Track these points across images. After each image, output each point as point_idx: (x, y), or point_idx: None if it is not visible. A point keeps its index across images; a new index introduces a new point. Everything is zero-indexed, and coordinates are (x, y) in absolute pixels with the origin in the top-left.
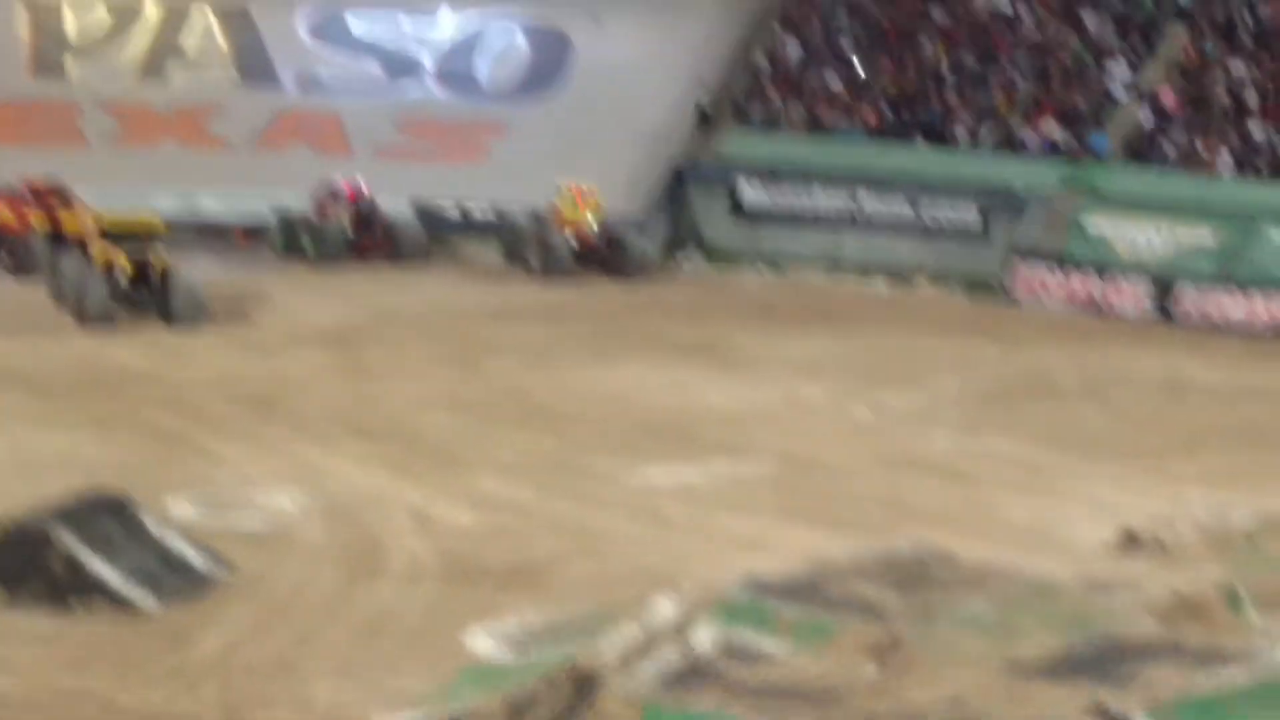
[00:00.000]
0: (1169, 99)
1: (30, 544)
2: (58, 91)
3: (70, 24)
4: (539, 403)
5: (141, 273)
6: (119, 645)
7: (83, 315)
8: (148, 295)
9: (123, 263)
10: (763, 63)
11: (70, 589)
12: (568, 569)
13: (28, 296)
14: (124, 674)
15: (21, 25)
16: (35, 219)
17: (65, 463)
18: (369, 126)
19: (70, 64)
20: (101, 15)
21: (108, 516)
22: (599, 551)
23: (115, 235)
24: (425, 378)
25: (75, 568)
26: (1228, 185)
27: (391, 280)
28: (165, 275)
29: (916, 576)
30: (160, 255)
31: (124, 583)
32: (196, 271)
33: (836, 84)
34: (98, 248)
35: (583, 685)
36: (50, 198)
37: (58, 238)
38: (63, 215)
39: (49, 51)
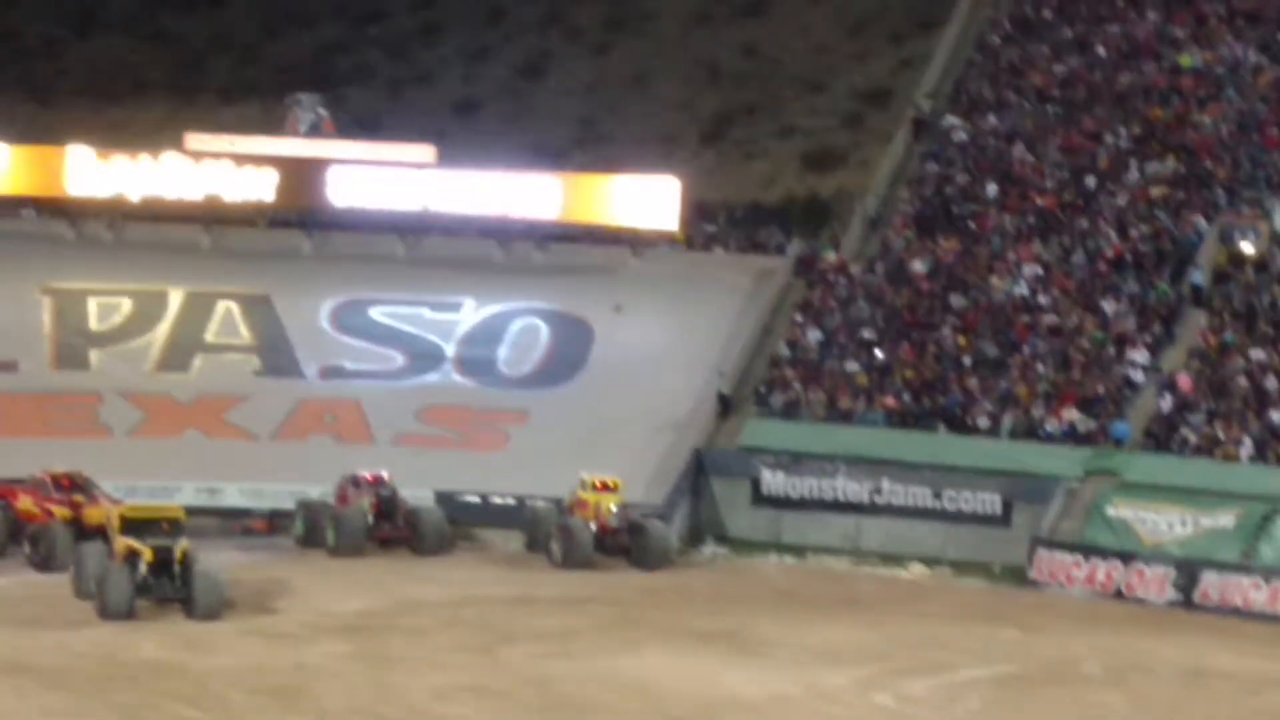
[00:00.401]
0: (1186, 384)
1: None
2: (80, 382)
3: (93, 315)
4: (561, 691)
5: (163, 561)
6: None
7: (104, 607)
8: (169, 584)
9: (144, 552)
10: (783, 350)
11: None
12: None
13: (51, 589)
14: None
15: (45, 316)
16: (58, 511)
17: None
18: (390, 415)
19: (93, 355)
20: (125, 306)
21: None
22: None
23: (136, 524)
24: (447, 667)
25: None
26: (1249, 471)
27: (413, 569)
28: (186, 564)
29: None
30: (182, 544)
31: None
32: (218, 560)
33: (856, 371)
34: (119, 539)
35: None
36: (72, 489)
37: (80, 529)
38: (85, 507)
39: (72, 342)
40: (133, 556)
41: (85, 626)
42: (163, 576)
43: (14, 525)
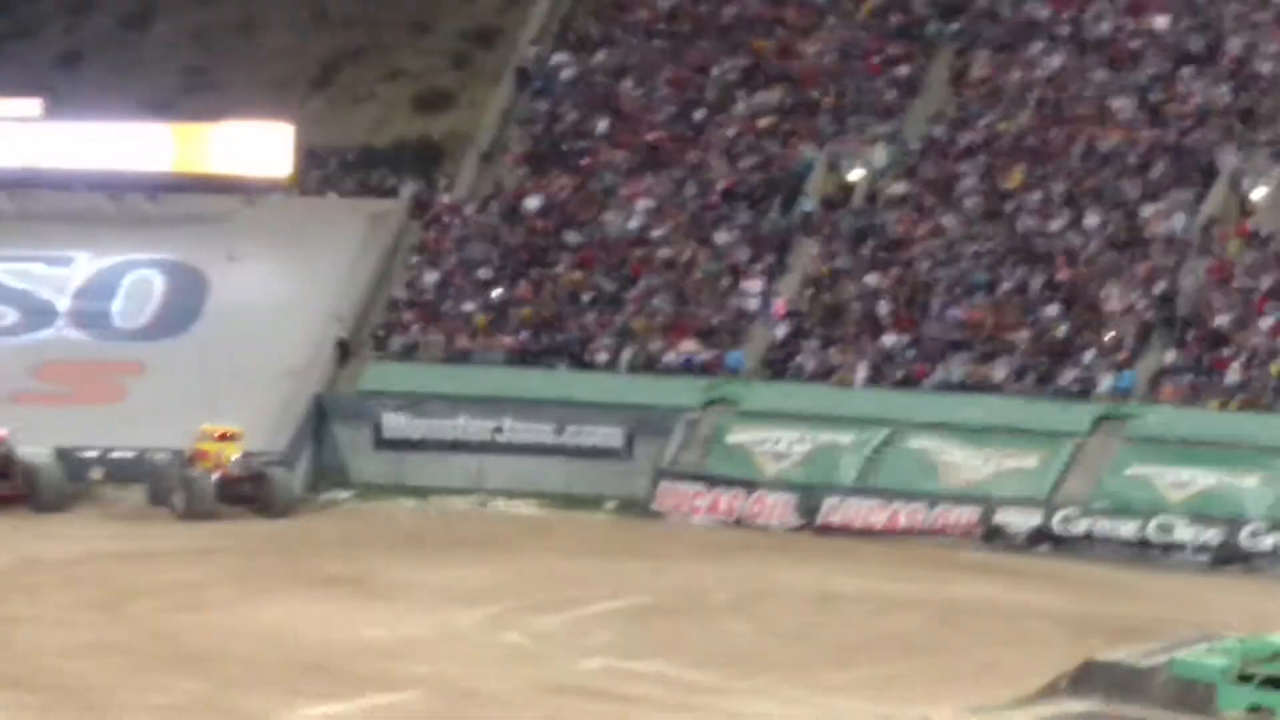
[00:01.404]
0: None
1: None
2: None
3: None
4: (188, 644)
5: None
6: None
7: None
8: None
9: None
10: (401, 293)
11: None
12: None
13: None
14: None
15: None
16: None
17: None
18: (6, 373)
19: None
20: None
21: None
22: None
23: None
24: (71, 624)
25: None
26: (864, 396)
27: (32, 527)
28: None
29: None
30: None
31: None
32: None
33: (475, 311)
34: None
35: None
36: None
37: None
38: None
39: None
40: None
41: None
42: None
43: None
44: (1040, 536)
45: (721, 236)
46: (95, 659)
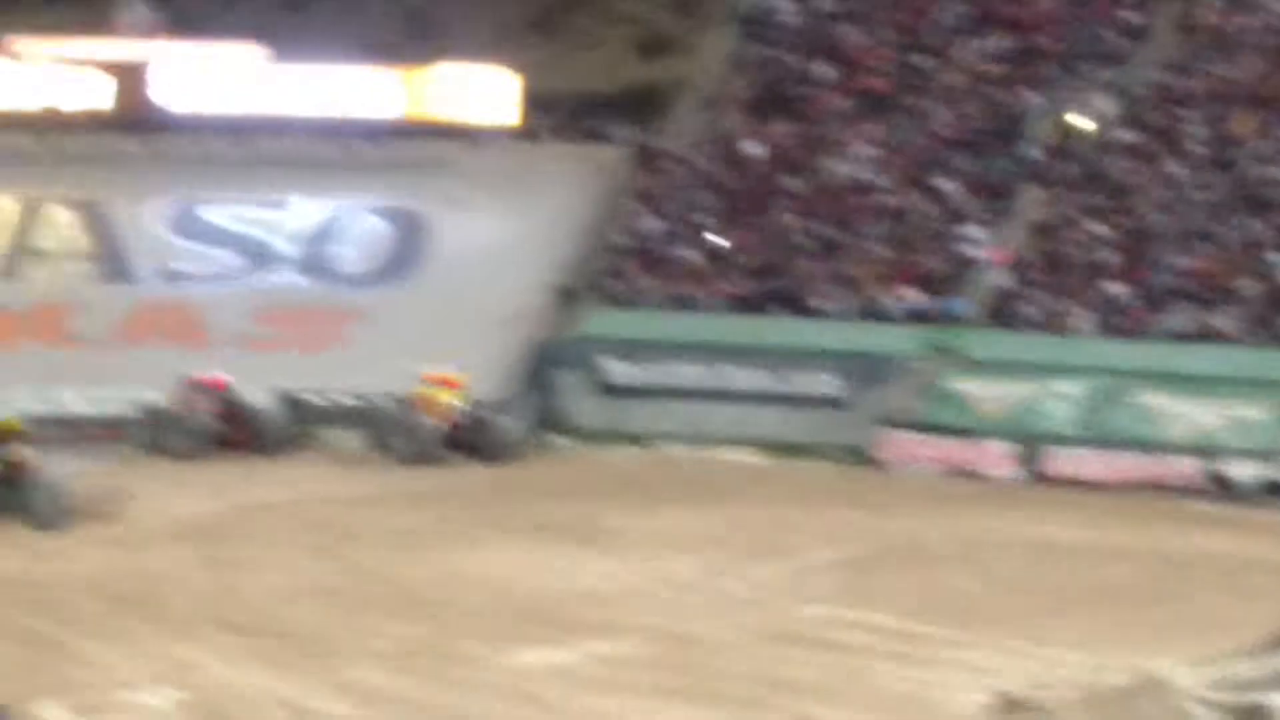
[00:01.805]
0: (1007, 258)
1: None
2: None
3: None
4: (409, 589)
5: (3, 473)
6: None
7: None
8: (10, 496)
9: None
10: (622, 239)
11: None
12: None
13: None
14: None
15: None
16: None
17: None
18: (228, 318)
19: None
20: None
21: None
22: None
23: None
24: (293, 569)
25: None
26: (1089, 345)
27: (256, 472)
28: (26, 475)
29: None
30: (21, 454)
31: None
32: (60, 469)
33: (695, 257)
34: None
35: None
36: None
37: None
38: None
39: None
40: None
41: None
42: (3, 488)
43: None
44: (1268, 488)
45: (943, 183)
46: (317, 604)
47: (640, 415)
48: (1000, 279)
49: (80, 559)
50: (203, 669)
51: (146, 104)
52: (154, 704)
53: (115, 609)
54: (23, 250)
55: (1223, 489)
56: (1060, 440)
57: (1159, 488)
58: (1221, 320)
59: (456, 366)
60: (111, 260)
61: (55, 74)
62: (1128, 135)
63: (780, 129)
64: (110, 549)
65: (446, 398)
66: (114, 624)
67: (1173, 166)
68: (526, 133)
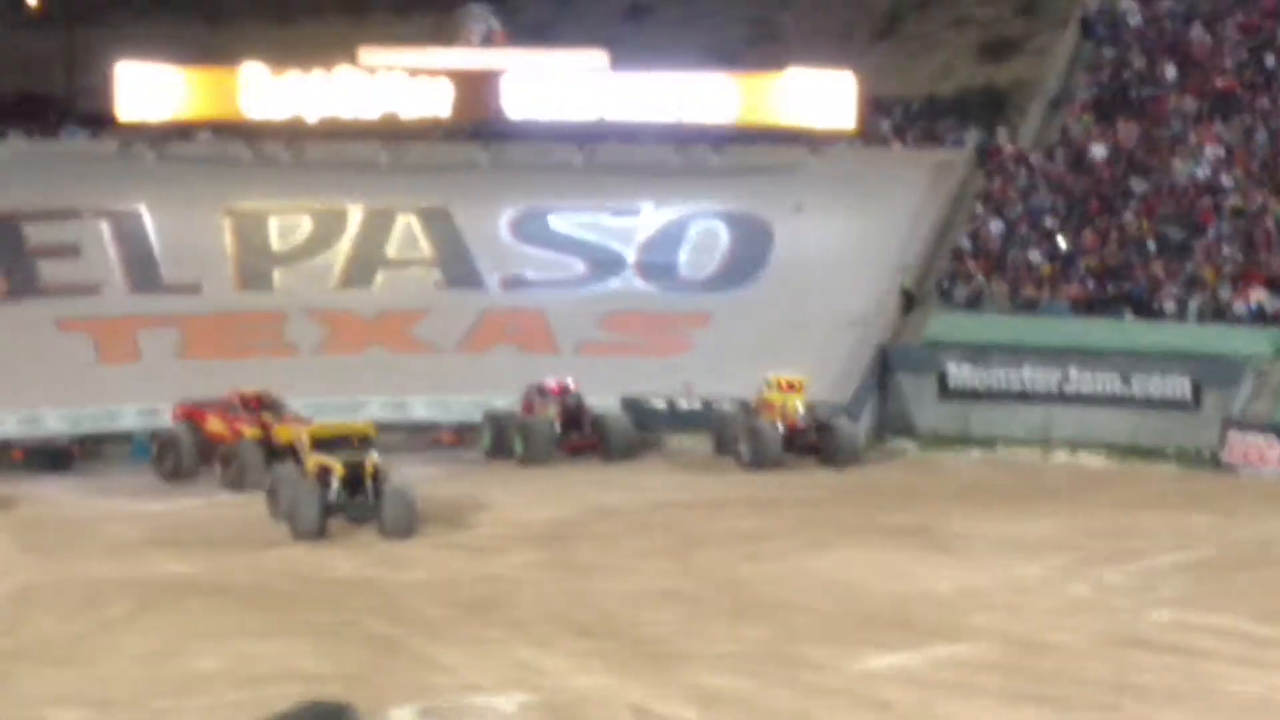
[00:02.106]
0: None
1: None
2: (264, 302)
3: (274, 235)
4: (753, 593)
5: (354, 478)
6: None
7: (297, 527)
8: (361, 501)
9: (335, 469)
10: (965, 242)
11: None
12: None
13: (243, 509)
14: None
15: (227, 238)
16: (247, 430)
17: (285, 674)
18: (573, 323)
19: (276, 274)
20: (305, 224)
21: None
22: None
23: (327, 441)
24: (639, 572)
25: None
26: None
27: (601, 476)
28: (377, 480)
29: None
30: (372, 459)
31: None
32: (407, 474)
33: (1040, 260)
34: (310, 458)
35: None
36: (261, 408)
37: (270, 448)
38: (274, 426)
39: (254, 262)
40: (324, 474)
41: (279, 546)
42: (355, 493)
43: (204, 446)
44: None
45: None
46: (663, 607)
47: (984, 418)
48: None
49: (429, 565)
50: (551, 673)
51: (492, 112)
52: (503, 708)
53: (464, 614)
54: (371, 258)
55: None
56: None
57: None
58: None
59: (800, 370)
60: (458, 267)
61: (402, 84)
62: None
63: (1125, 130)
64: (458, 554)
65: (790, 401)
66: (463, 629)
67: None
68: (867, 136)
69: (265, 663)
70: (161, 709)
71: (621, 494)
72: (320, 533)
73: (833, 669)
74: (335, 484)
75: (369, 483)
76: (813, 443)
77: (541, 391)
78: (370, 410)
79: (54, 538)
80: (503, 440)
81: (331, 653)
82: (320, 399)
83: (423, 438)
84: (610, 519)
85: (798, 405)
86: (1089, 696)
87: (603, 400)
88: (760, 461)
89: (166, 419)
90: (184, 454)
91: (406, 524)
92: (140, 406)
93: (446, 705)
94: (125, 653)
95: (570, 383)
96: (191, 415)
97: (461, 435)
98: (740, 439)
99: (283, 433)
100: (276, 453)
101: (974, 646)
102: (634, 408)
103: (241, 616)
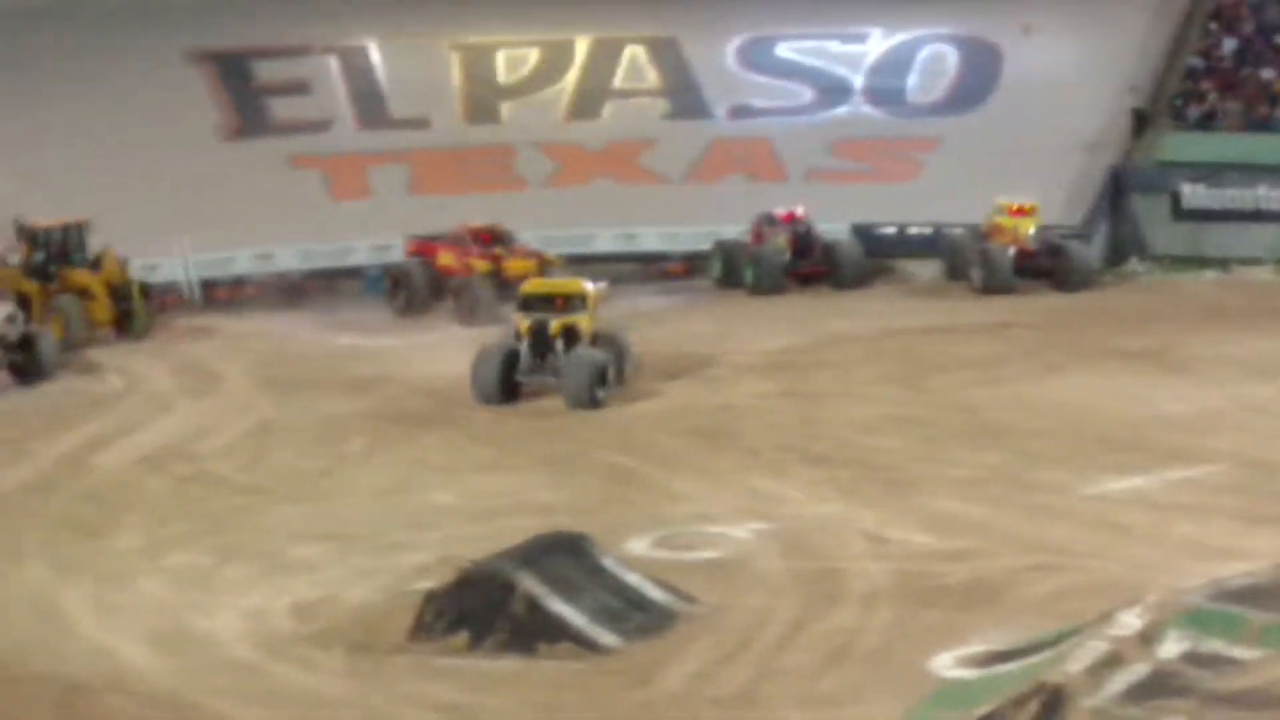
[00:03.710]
0: None
1: (493, 588)
2: (492, 135)
3: (501, 68)
4: (987, 418)
5: (539, 341)
6: (585, 685)
7: (474, 390)
8: (542, 365)
9: (522, 329)
10: (1197, 62)
11: (534, 632)
12: (1028, 585)
13: (475, 344)
14: (592, 714)
15: (455, 72)
16: (478, 264)
17: (520, 506)
18: (801, 151)
19: (503, 107)
20: (532, 57)
21: (566, 557)
22: (1059, 566)
23: (530, 300)
24: (872, 399)
25: (538, 610)
26: None
27: (832, 303)
28: (569, 341)
29: None
30: (567, 321)
31: (587, 623)
32: (639, 305)
33: (1274, 77)
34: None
35: (1051, 702)
36: (492, 242)
37: (502, 281)
38: (505, 259)
39: (482, 97)
40: (518, 335)
41: None
42: (543, 357)
43: (436, 281)
44: None
45: None
46: (896, 434)
47: (1218, 239)
48: None
49: (662, 395)
50: (784, 500)
51: None
52: (738, 536)
53: (697, 443)
54: (598, 90)
55: None
56: None
57: None
58: None
59: (1031, 194)
60: (685, 97)
61: None
62: None
63: None
64: (691, 384)
65: (1021, 225)
66: (696, 458)
67: None
68: None
69: (500, 496)
70: (398, 542)
71: (853, 321)
72: (501, 398)
73: (1068, 493)
74: (523, 347)
75: (558, 346)
76: (1045, 267)
77: (771, 220)
78: (600, 242)
79: (290, 373)
80: (733, 269)
81: (566, 484)
82: (550, 231)
83: (653, 268)
84: (842, 346)
85: (1029, 229)
86: None
87: (833, 227)
88: (992, 286)
89: (398, 254)
90: (416, 289)
91: (586, 394)
92: (372, 242)
93: (681, 534)
94: (361, 487)
95: (800, 210)
96: (423, 250)
97: (691, 265)
98: (972, 264)
99: (513, 266)
100: (507, 285)
101: (1210, 469)
102: (864, 234)
103: (475, 451)
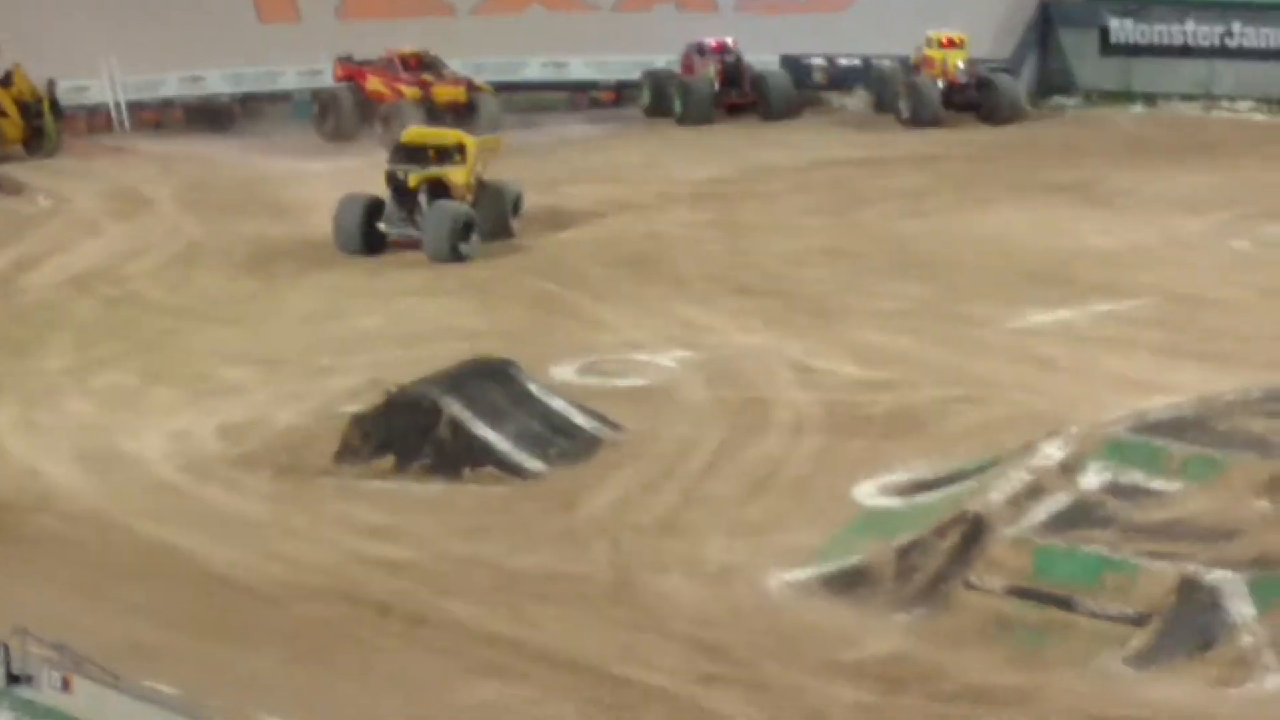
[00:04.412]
0: None
1: (419, 413)
2: None
3: None
4: (914, 250)
5: (400, 194)
6: (509, 510)
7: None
8: (404, 219)
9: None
10: None
11: (459, 456)
12: (952, 416)
13: None
14: (515, 538)
15: None
16: (407, 90)
17: (447, 331)
18: None
19: None
20: None
21: (492, 383)
22: (983, 397)
23: (407, 151)
24: (800, 230)
25: (463, 434)
26: None
27: (761, 134)
28: (431, 195)
29: None
30: (429, 174)
31: (512, 448)
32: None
33: None
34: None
35: (972, 531)
36: (420, 68)
37: (430, 107)
38: (433, 85)
39: None
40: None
41: None
42: (406, 208)
43: (365, 106)
44: None
45: None
46: (824, 265)
47: (1146, 74)
48: None
49: (589, 223)
50: (711, 330)
51: None
52: (664, 364)
53: (625, 272)
54: None
55: None
56: None
57: None
58: None
59: (960, 27)
60: None
61: None
62: None
63: None
64: (619, 213)
65: (950, 58)
66: (624, 286)
67: None
68: None
69: (427, 321)
70: (326, 366)
71: (781, 152)
72: (364, 249)
73: (993, 325)
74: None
75: (420, 199)
76: (973, 100)
77: (701, 50)
78: (529, 70)
79: (218, 197)
80: (662, 99)
81: (493, 310)
82: (479, 59)
83: (582, 97)
84: (770, 177)
85: (958, 61)
86: (1249, 351)
87: (762, 58)
88: (920, 118)
89: (327, 79)
90: (345, 114)
91: (447, 247)
92: (300, 67)
93: (608, 361)
94: (289, 311)
95: (730, 41)
96: (351, 75)
97: (620, 94)
98: (900, 96)
99: (442, 93)
100: (436, 113)
101: (1135, 303)
102: (793, 65)
103: (402, 276)
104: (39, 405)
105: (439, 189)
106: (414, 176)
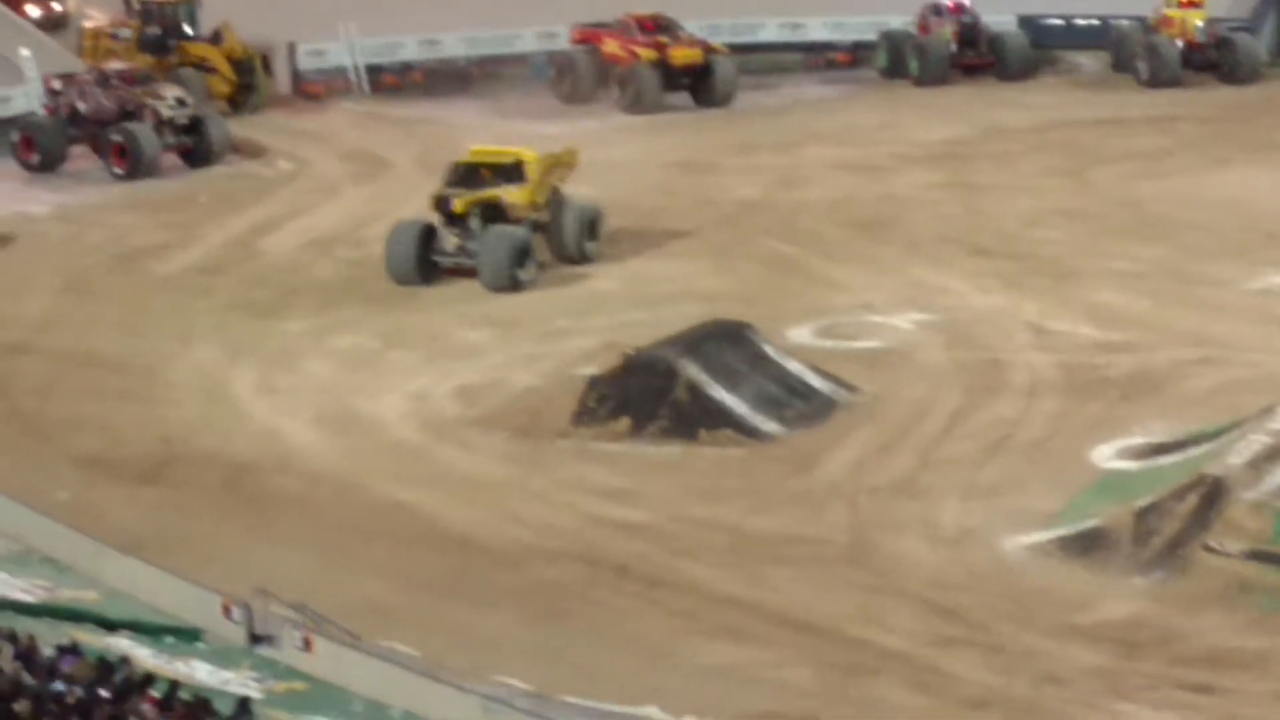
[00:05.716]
0: None
1: (655, 375)
2: None
3: None
4: (1151, 211)
5: (448, 218)
6: (746, 472)
7: (388, 269)
8: (462, 245)
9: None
10: None
11: (696, 418)
12: (1190, 379)
13: (639, 133)
14: (751, 501)
15: None
16: (643, 52)
17: (683, 293)
18: None
19: None
20: None
21: (730, 346)
22: (1221, 359)
23: (461, 174)
24: (1036, 192)
25: (700, 397)
26: None
27: (997, 95)
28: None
29: None
30: (479, 195)
31: (749, 410)
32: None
33: None
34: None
35: (1211, 494)
36: (657, 30)
37: (667, 70)
38: (670, 47)
39: None
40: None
41: (672, 169)
42: (457, 236)
43: (601, 68)
44: None
45: None
46: (1060, 226)
47: None
48: None
49: (826, 184)
50: (947, 291)
51: None
52: (900, 326)
53: (860, 233)
54: None
55: None
56: None
57: None
58: None
59: None
60: None
61: None
62: None
63: None
64: (855, 174)
65: (1189, 17)
66: (860, 248)
67: None
68: None
69: (664, 283)
70: (563, 328)
71: (1018, 113)
72: (420, 278)
73: (1232, 285)
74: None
75: (471, 224)
76: (1212, 59)
77: (937, 10)
78: (766, 32)
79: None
80: (898, 60)
81: (728, 272)
82: (714, 20)
83: (818, 58)
84: (1006, 138)
85: (1198, 21)
86: None
87: (999, 18)
88: (1159, 79)
89: (564, 42)
90: (581, 77)
91: (505, 275)
92: (538, 29)
93: (843, 323)
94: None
95: (966, 1)
96: (588, 38)
97: (856, 55)
98: (1138, 56)
99: (678, 54)
100: (672, 76)
101: None
102: (1031, 25)
103: (639, 238)
104: (279, 367)
105: (493, 212)
106: (459, 201)
